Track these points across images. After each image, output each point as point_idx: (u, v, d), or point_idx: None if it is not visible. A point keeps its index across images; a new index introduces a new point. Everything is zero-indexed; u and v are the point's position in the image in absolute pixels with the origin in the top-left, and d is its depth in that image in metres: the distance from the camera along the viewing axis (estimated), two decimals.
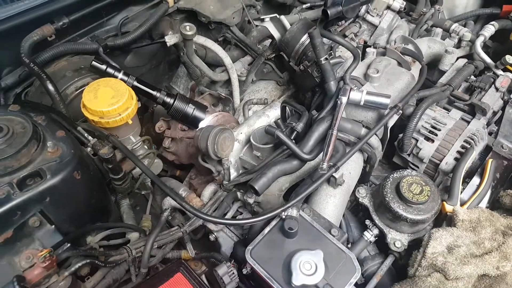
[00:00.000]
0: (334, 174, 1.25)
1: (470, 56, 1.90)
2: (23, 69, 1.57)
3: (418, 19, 2.05)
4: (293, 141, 1.34)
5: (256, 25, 2.03)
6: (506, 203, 1.36)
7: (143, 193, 1.58)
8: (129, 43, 1.72)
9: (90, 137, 1.27)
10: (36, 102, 1.44)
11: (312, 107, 1.59)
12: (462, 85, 1.68)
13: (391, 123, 1.45)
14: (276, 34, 1.80)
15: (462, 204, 1.29)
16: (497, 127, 1.57)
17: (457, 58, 1.81)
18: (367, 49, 1.70)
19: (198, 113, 1.58)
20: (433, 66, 1.87)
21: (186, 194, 1.50)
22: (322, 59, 1.44)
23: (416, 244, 1.24)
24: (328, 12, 1.78)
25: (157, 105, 1.68)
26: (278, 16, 1.79)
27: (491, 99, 1.57)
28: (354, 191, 1.38)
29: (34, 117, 1.25)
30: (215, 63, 2.01)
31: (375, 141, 1.42)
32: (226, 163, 1.44)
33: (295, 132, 1.39)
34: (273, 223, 1.19)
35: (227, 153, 1.44)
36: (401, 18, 2.05)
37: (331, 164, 1.24)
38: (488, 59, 1.78)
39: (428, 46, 1.88)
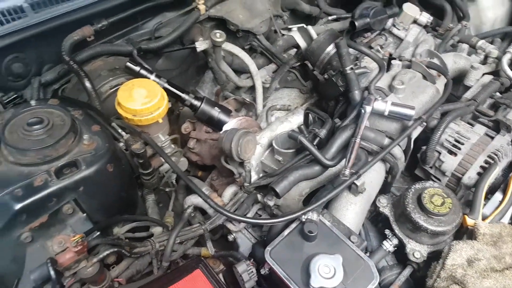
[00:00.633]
0: (355, 182, 1.27)
1: (496, 73, 1.89)
2: (62, 66, 1.66)
3: (444, 34, 2.06)
4: (316, 147, 1.37)
5: (283, 34, 2.08)
6: None
7: (167, 190, 1.63)
8: (162, 47, 1.80)
9: (123, 133, 1.33)
10: (73, 98, 1.52)
11: (335, 115, 1.62)
12: (487, 101, 1.67)
13: (415, 134, 1.46)
14: (302, 44, 1.85)
15: (483, 219, 1.29)
16: None
17: (483, 74, 1.81)
18: (392, 61, 1.72)
19: (223, 116, 1.63)
20: (458, 81, 1.86)
21: (208, 193, 1.54)
22: (347, 68, 1.47)
23: (435, 256, 1.24)
24: (356, 23, 1.81)
25: (183, 108, 1.75)
26: (305, 26, 1.84)
27: None
28: (374, 201, 1.39)
29: (72, 111, 1.32)
30: (240, 70, 2.07)
31: (398, 151, 1.43)
32: (248, 165, 1.48)
33: (318, 138, 1.42)
34: (293, 225, 1.21)
35: (249, 155, 1.48)
36: (427, 32, 2.06)
37: (353, 171, 1.26)
38: None
39: (453, 61, 1.89)
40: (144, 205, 1.53)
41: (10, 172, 1.16)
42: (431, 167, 1.54)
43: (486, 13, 2.30)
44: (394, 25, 1.95)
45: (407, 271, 1.29)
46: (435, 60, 1.78)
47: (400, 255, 1.32)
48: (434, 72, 1.71)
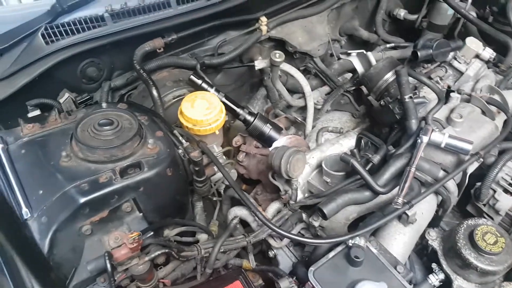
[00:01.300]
0: (407, 212, 1.26)
1: None
2: (131, 73, 1.79)
3: (506, 71, 2.01)
4: (368, 172, 1.37)
5: (339, 58, 2.11)
6: None
7: (214, 199, 1.69)
8: (223, 64, 1.90)
9: (183, 141, 1.41)
10: (139, 104, 1.63)
11: (388, 143, 1.61)
12: None
13: (470, 169, 1.42)
14: (360, 68, 1.86)
15: None
16: None
17: None
18: (451, 94, 1.70)
19: (273, 133, 1.67)
20: None
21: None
22: (406, 97, 1.47)
23: None
24: (418, 53, 1.81)
25: (234, 121, 1.81)
26: (364, 52, 1.86)
27: None
28: (422, 233, 1.37)
29: (138, 116, 1.42)
30: (293, 90, 2.12)
31: (452, 185, 1.40)
32: (295, 183, 1.49)
33: (371, 164, 1.42)
34: (339, 248, 1.21)
35: (298, 174, 1.50)
36: (488, 68, 2.02)
37: (406, 201, 1.25)
38: None
39: None
40: (192, 211, 1.58)
41: (79, 167, 1.24)
42: (484, 205, 1.50)
43: None
44: (455, 58, 1.93)
45: None
46: (496, 97, 1.74)
47: None
48: (494, 109, 1.67)
